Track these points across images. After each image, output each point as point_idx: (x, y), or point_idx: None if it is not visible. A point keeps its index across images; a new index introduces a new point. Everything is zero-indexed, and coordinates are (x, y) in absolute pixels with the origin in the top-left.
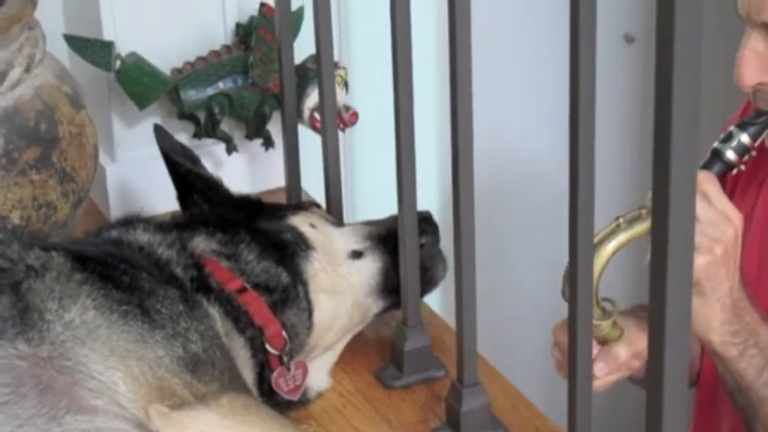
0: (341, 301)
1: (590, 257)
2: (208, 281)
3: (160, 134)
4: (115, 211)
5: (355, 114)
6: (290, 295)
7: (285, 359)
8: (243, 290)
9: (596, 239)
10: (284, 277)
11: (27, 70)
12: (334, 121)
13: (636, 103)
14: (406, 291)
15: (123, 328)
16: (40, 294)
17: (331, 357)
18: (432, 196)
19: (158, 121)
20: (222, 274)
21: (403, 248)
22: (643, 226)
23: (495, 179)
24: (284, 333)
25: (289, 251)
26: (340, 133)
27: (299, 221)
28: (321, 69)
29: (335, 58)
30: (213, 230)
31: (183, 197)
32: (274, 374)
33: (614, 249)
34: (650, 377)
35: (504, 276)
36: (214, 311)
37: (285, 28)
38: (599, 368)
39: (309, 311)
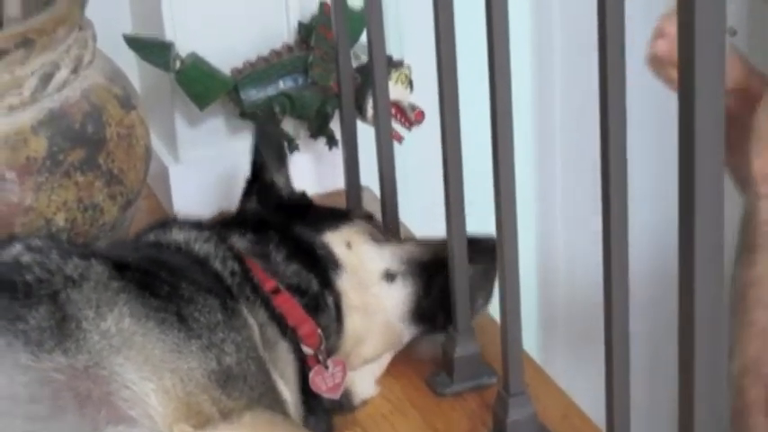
0: (372, 319)
1: None
2: (249, 275)
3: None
4: (179, 211)
5: (422, 113)
6: (320, 300)
7: (321, 357)
8: (276, 291)
9: None
10: (314, 284)
11: (74, 72)
12: (388, 121)
13: None
14: (456, 295)
15: (159, 337)
16: (78, 303)
17: (376, 369)
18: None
19: (221, 121)
20: (259, 273)
21: (451, 248)
22: None
23: None
24: (319, 331)
25: (321, 264)
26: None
27: (335, 239)
28: (373, 66)
29: (400, 57)
30: (245, 231)
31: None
32: (311, 373)
33: None
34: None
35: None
36: (253, 321)
37: (341, 26)
38: None
39: (340, 318)
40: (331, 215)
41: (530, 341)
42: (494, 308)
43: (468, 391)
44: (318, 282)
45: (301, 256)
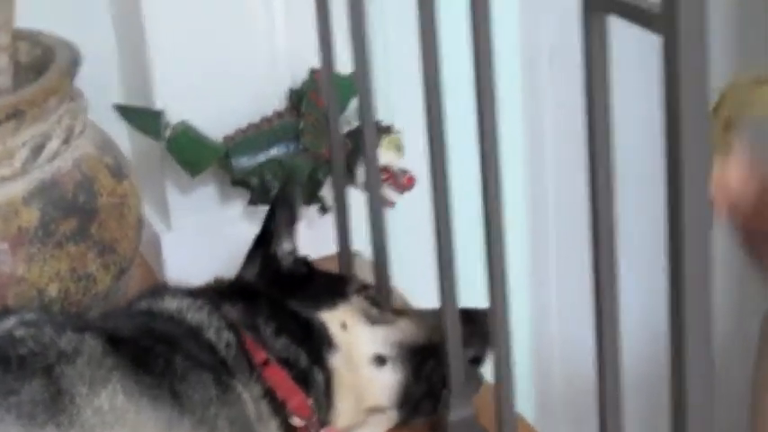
0: (362, 400)
1: None
2: (245, 347)
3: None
4: (172, 280)
5: (412, 178)
6: (308, 375)
7: (313, 430)
8: (266, 362)
9: None
10: (304, 359)
11: (66, 142)
12: (379, 186)
13: None
14: (450, 356)
15: (152, 414)
16: (72, 378)
17: None
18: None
19: (212, 188)
20: (251, 344)
21: (444, 314)
22: None
23: None
24: (310, 402)
25: (314, 342)
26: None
27: (332, 318)
28: (364, 132)
29: (390, 122)
30: (237, 301)
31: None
32: None
33: None
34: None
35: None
36: (247, 395)
37: (331, 93)
38: None
39: (329, 394)
40: (328, 291)
41: (525, 404)
42: (488, 370)
43: None
44: (308, 357)
45: (292, 331)
